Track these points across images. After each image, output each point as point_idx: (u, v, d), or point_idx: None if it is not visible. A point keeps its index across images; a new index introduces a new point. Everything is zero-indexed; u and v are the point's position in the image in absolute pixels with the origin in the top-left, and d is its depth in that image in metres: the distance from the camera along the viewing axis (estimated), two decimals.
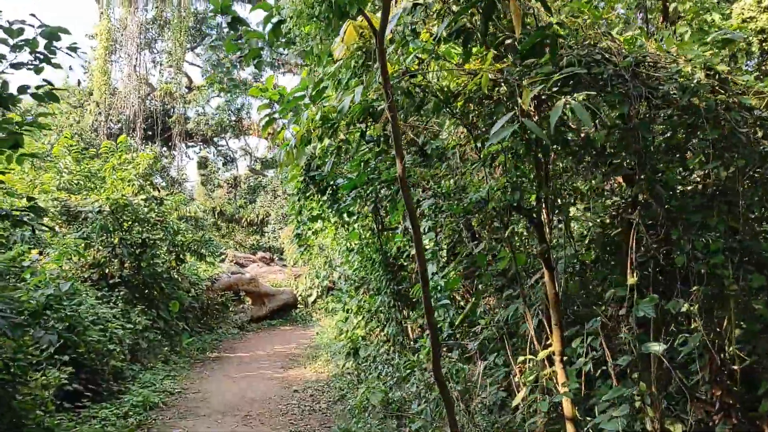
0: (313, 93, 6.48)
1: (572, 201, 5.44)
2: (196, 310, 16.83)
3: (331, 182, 9.22)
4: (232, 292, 20.02)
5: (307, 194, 9.45)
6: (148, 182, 13.37)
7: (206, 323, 17.45)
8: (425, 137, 6.20)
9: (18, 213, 6.68)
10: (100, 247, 12.71)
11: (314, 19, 5.53)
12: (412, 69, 4.39)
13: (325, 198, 9.76)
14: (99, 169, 14.09)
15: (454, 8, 4.54)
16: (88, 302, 9.58)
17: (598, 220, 5.28)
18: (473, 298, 6.29)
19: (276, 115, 8.42)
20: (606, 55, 4.21)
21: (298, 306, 22.88)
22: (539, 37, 4.02)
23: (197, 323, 16.76)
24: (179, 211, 17.54)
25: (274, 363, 13.42)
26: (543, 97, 4.26)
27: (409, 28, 4.45)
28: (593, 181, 4.97)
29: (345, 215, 10.14)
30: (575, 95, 3.46)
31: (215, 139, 35.30)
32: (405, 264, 10.39)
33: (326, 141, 5.68)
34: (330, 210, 9.87)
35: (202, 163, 36.34)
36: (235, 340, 17.31)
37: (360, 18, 4.41)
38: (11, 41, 5.97)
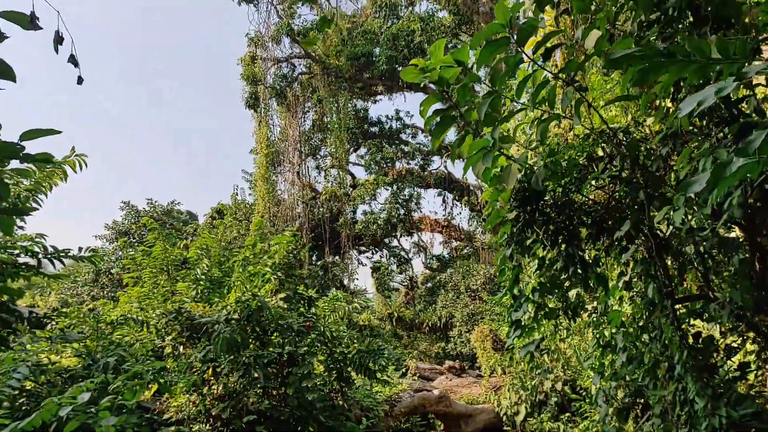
0: None
1: None
2: None
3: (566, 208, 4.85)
4: (418, 415, 15.63)
5: (528, 242, 5.10)
6: (290, 276, 9.83)
7: None
8: None
9: None
10: (233, 371, 9.24)
11: None
12: None
13: (554, 252, 5.34)
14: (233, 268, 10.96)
15: None
16: None
17: None
18: None
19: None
20: None
21: (505, 428, 17.73)
22: None
23: None
24: (344, 314, 13.84)
25: None
26: None
27: None
28: None
29: (591, 282, 5.62)
30: None
31: (386, 240, 32.36)
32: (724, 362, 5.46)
33: None
34: (565, 272, 5.41)
35: (376, 268, 33.44)
36: None
37: None
38: None
